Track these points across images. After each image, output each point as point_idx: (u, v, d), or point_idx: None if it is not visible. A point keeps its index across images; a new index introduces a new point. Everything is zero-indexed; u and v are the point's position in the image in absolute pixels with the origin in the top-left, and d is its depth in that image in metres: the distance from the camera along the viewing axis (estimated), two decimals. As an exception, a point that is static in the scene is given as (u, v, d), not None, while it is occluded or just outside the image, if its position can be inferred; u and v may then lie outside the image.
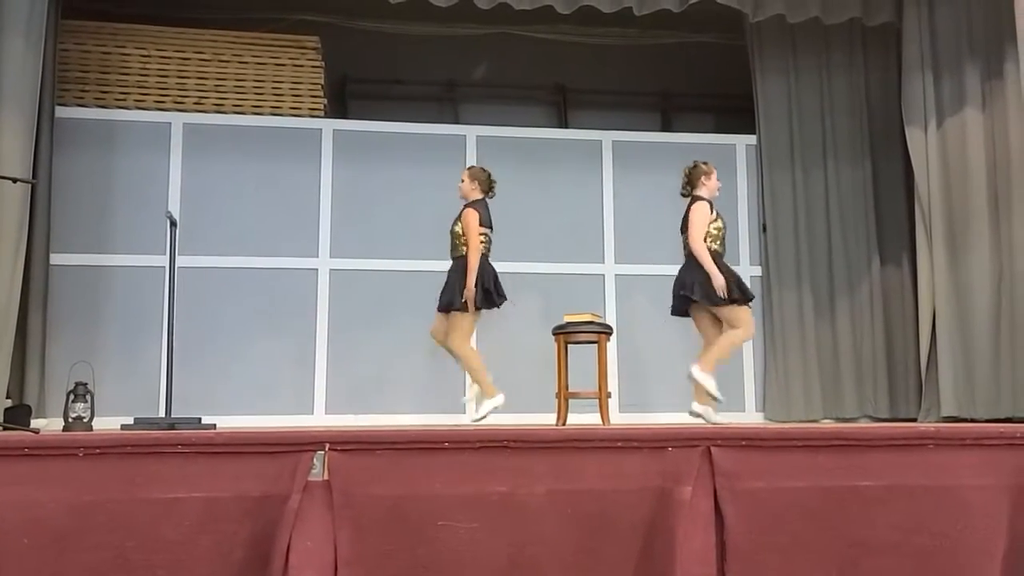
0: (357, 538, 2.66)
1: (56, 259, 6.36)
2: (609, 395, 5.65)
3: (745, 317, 5.41)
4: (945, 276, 6.50)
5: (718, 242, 5.44)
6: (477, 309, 5.62)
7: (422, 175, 6.99)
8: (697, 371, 5.31)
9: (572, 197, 7.20)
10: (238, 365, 6.52)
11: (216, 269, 6.63)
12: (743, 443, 2.88)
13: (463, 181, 5.85)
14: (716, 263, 5.37)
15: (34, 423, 5.55)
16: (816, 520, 2.82)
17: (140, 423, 4.85)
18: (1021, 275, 5.93)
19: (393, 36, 7.83)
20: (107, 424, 5.26)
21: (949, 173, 6.55)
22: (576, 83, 8.34)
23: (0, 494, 2.54)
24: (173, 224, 5.04)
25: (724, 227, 5.54)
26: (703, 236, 5.39)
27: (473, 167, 6.05)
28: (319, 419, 6.53)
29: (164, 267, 5.37)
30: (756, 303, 6.76)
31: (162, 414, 5.08)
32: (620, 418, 6.54)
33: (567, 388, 5.65)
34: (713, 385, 5.30)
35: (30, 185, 5.72)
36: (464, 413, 5.89)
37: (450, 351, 5.70)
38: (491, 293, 5.64)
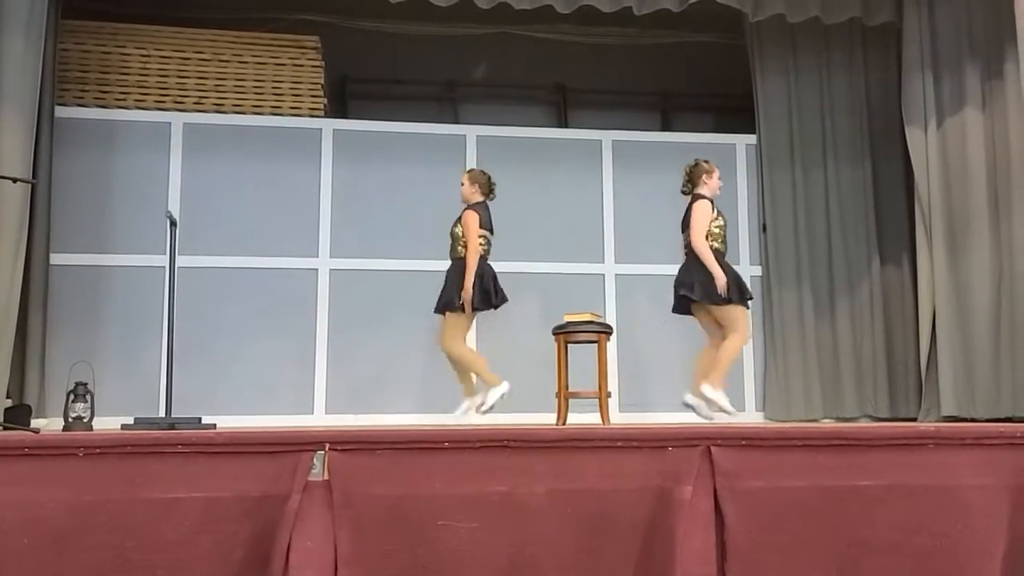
0: (357, 538, 2.66)
1: (56, 259, 6.36)
2: (609, 395, 5.65)
3: (742, 319, 5.40)
4: (945, 276, 6.50)
5: (719, 240, 5.45)
6: (474, 310, 5.64)
7: (422, 175, 6.99)
8: (710, 390, 5.31)
9: (572, 197, 7.20)
10: (238, 365, 6.52)
11: (216, 269, 6.63)
12: (743, 443, 2.88)
13: (463, 184, 5.87)
14: (718, 262, 5.37)
15: (34, 423, 5.55)
16: (816, 520, 2.82)
17: (140, 423, 4.85)
18: (1021, 275, 5.93)
19: (393, 36, 7.82)
20: (107, 424, 5.26)
21: (949, 173, 6.55)
22: (576, 83, 8.34)
23: (0, 494, 2.54)
24: (173, 224, 5.04)
25: (725, 225, 5.54)
26: (705, 234, 5.39)
27: (473, 170, 6.07)
28: (319, 419, 6.53)
29: (164, 267, 5.37)
30: (756, 303, 6.78)
31: (162, 414, 5.08)
32: (620, 418, 6.54)
33: (567, 388, 5.65)
34: (727, 401, 5.30)
35: (30, 185, 5.72)
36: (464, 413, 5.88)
37: (447, 353, 5.73)
38: (490, 294, 5.66)
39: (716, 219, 5.45)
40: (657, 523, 2.77)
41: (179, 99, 6.92)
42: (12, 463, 2.58)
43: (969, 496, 2.89)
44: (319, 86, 7.16)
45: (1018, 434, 2.98)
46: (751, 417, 6.95)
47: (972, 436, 2.98)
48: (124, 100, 6.82)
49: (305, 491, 2.66)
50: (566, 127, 8.06)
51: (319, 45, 7.25)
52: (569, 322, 5.66)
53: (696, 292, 5.39)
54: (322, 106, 7.16)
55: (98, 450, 2.62)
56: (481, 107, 8.05)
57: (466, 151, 7.14)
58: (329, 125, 7.03)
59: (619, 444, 2.84)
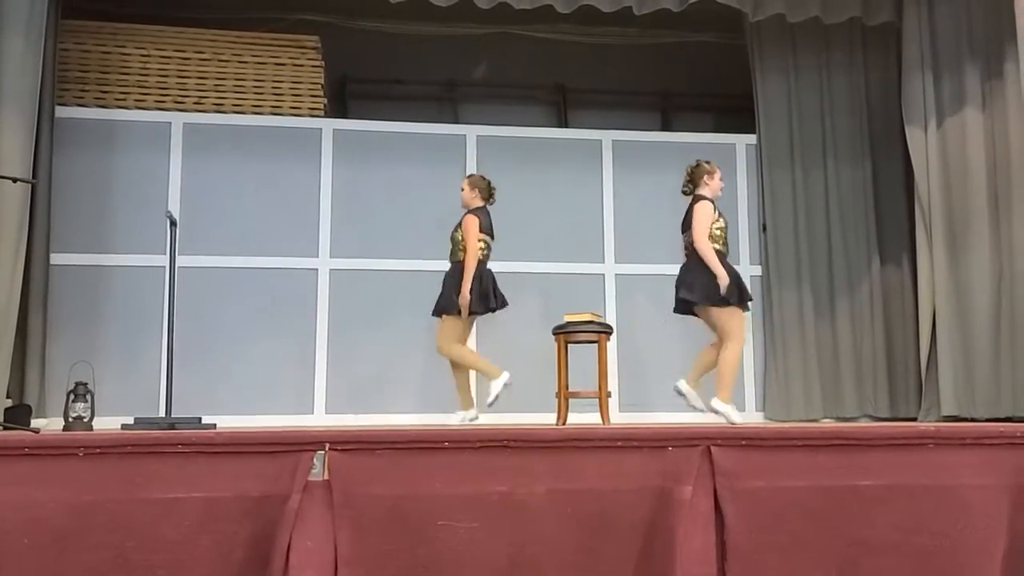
0: (357, 538, 2.66)
1: (56, 259, 6.36)
2: (609, 395, 5.65)
3: (737, 324, 5.38)
4: (945, 276, 6.50)
5: (720, 242, 5.43)
6: (472, 314, 5.66)
7: (422, 175, 6.99)
8: (719, 403, 5.30)
9: (572, 197, 7.20)
10: (238, 365, 6.52)
11: (216, 269, 6.63)
12: (743, 443, 2.88)
13: (463, 189, 5.90)
14: (721, 263, 5.37)
15: (34, 423, 5.55)
16: (816, 519, 2.83)
17: (140, 423, 4.85)
18: (1021, 275, 5.93)
19: (393, 36, 7.82)
20: (107, 424, 5.27)
21: (949, 173, 6.55)
22: (576, 83, 8.34)
23: (0, 494, 2.54)
24: (173, 224, 5.04)
25: (726, 227, 5.53)
26: (708, 235, 5.38)
27: (473, 175, 6.08)
28: (319, 419, 6.53)
29: (164, 267, 5.37)
30: (756, 303, 6.78)
31: (162, 414, 5.08)
32: (620, 418, 6.54)
33: (567, 388, 5.66)
34: (736, 415, 5.30)
35: (30, 185, 5.72)
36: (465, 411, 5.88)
37: (444, 355, 5.75)
38: (488, 297, 5.67)
39: (717, 221, 5.44)
40: (657, 523, 2.77)
41: (179, 99, 6.92)
42: (12, 463, 2.58)
43: (969, 496, 2.89)
44: (319, 86, 7.16)
45: (1018, 434, 2.98)
46: (751, 417, 6.94)
47: (972, 436, 2.98)
48: (124, 100, 6.82)
49: (305, 491, 2.67)
50: (566, 127, 8.06)
51: (319, 45, 7.25)
52: (569, 322, 5.66)
53: (696, 294, 5.39)
54: (322, 106, 7.16)
55: (98, 450, 2.62)
56: (481, 107, 8.05)
57: (466, 151, 7.14)
58: (329, 125, 7.03)
59: (619, 444, 2.84)
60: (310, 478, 2.69)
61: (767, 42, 7.41)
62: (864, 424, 6.32)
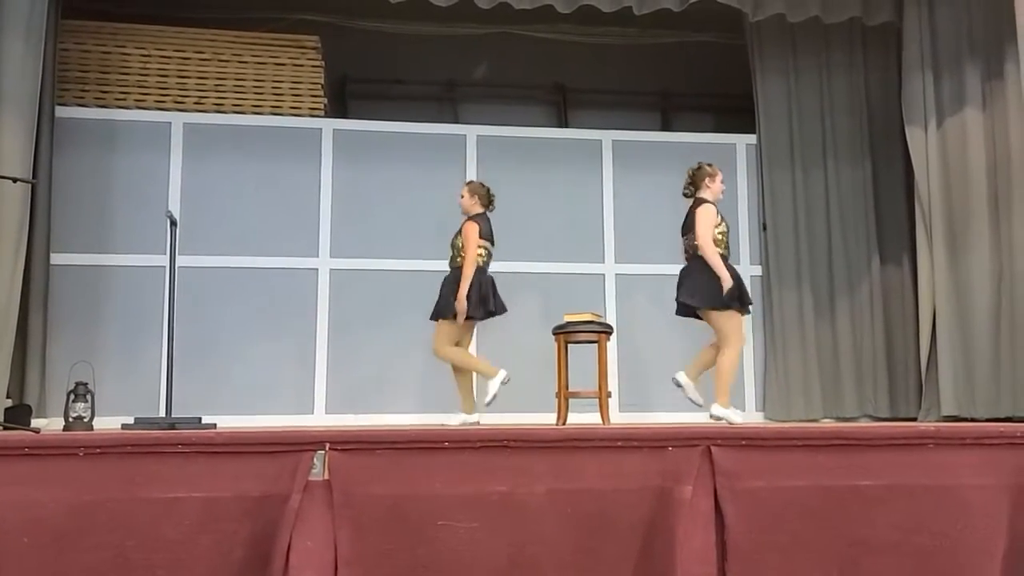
0: (357, 538, 2.66)
1: (56, 259, 6.36)
2: (609, 395, 5.65)
3: (736, 327, 5.37)
4: (945, 276, 6.50)
5: (722, 246, 5.42)
6: (471, 319, 5.66)
7: (422, 175, 6.99)
8: (719, 409, 5.29)
9: (572, 197, 7.20)
10: (238, 365, 6.52)
11: (216, 269, 6.63)
12: (743, 443, 2.88)
13: (463, 196, 5.91)
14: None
15: (35, 423, 5.55)
16: (816, 519, 2.83)
17: (140, 423, 4.85)
18: (1021, 275, 5.93)
19: (393, 36, 7.82)
20: (107, 424, 5.27)
21: (949, 173, 6.55)
22: (576, 83, 8.34)
23: (0, 494, 2.54)
24: (173, 224, 5.04)
25: (728, 231, 5.53)
26: (711, 239, 5.37)
27: (472, 182, 6.09)
28: (319, 419, 6.53)
29: (164, 267, 5.37)
30: (756, 303, 6.78)
31: (162, 414, 5.08)
32: (620, 418, 6.54)
33: (567, 388, 5.65)
34: (738, 416, 5.29)
35: (30, 185, 5.72)
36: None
37: (439, 358, 5.76)
38: (487, 301, 5.67)
39: (719, 225, 5.42)
40: (657, 523, 2.77)
41: (179, 99, 6.92)
42: (12, 463, 2.58)
43: (969, 496, 2.89)
44: (319, 86, 7.16)
45: (1018, 434, 2.99)
46: (751, 417, 6.94)
47: (972, 436, 2.98)
48: (124, 100, 6.82)
49: (305, 491, 2.67)
50: (566, 127, 8.06)
51: (319, 45, 7.25)
52: (569, 322, 5.66)
53: (696, 298, 5.38)
54: (322, 106, 7.16)
55: (98, 450, 2.62)
56: (481, 107, 8.05)
57: (466, 151, 7.14)
58: (329, 125, 7.03)
59: (619, 444, 2.84)
60: (310, 478, 2.69)
61: (767, 42, 7.41)
62: (864, 424, 6.32)
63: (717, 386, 5.33)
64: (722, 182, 5.62)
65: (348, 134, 7.02)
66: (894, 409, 7.06)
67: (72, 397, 5.23)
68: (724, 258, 5.40)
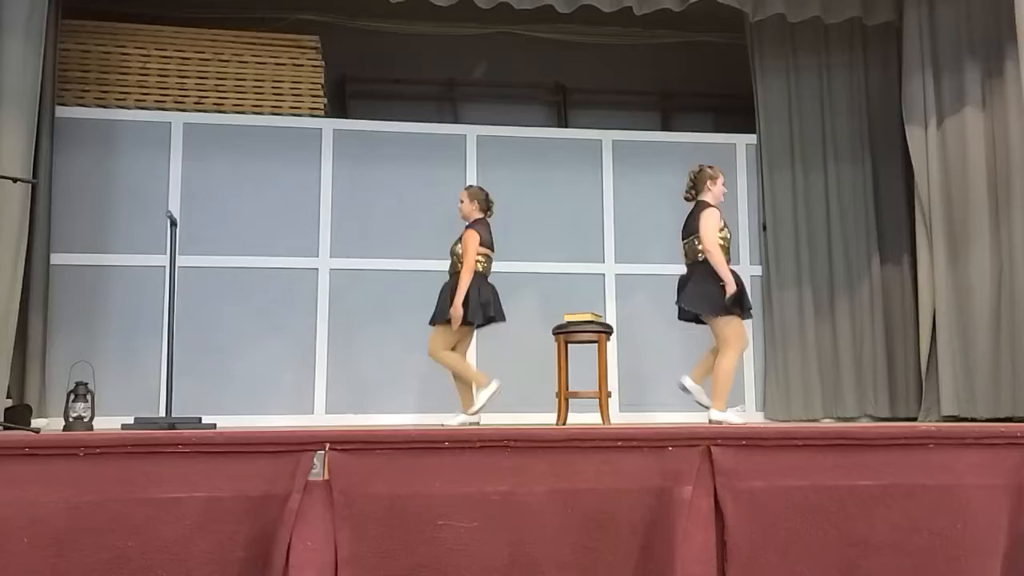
0: (357, 538, 2.66)
1: (56, 259, 6.36)
2: (609, 395, 5.65)
3: (735, 332, 5.36)
4: (945, 275, 6.50)
5: (724, 252, 5.41)
6: (468, 324, 5.65)
7: (422, 175, 6.99)
8: (716, 414, 5.29)
9: (572, 197, 7.20)
10: (238, 365, 6.53)
11: (216, 269, 6.63)
12: (743, 442, 2.88)
13: (463, 201, 5.91)
14: None
15: (35, 423, 5.55)
16: (816, 519, 2.83)
17: (140, 423, 4.85)
18: (1021, 275, 5.93)
19: (393, 36, 7.82)
20: (107, 424, 5.26)
21: (949, 173, 6.55)
22: (576, 83, 8.34)
23: (0, 494, 2.54)
24: (173, 224, 5.04)
25: (730, 237, 5.52)
26: (717, 243, 5.35)
27: (472, 187, 6.09)
28: (319, 419, 6.53)
29: (164, 267, 5.38)
30: (756, 303, 6.78)
31: (162, 414, 5.08)
32: (620, 418, 6.54)
33: (567, 388, 5.66)
34: (737, 417, 5.28)
35: (30, 185, 5.72)
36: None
37: (434, 360, 5.76)
38: (488, 306, 5.67)
39: (722, 229, 5.41)
40: (657, 523, 2.77)
41: (179, 99, 6.92)
42: (12, 463, 2.58)
43: (969, 496, 2.89)
44: (319, 86, 7.17)
45: (1018, 434, 2.98)
46: (751, 417, 6.94)
47: (972, 436, 2.98)
48: (124, 100, 6.82)
49: (305, 491, 2.67)
50: (566, 127, 8.06)
51: (319, 45, 7.25)
52: (569, 322, 5.66)
53: (697, 304, 5.37)
54: (322, 106, 7.16)
55: (98, 450, 2.62)
56: (481, 107, 8.04)
57: (466, 151, 7.14)
58: (329, 125, 7.03)
59: (619, 444, 2.84)
60: (310, 478, 2.69)
61: (767, 42, 7.41)
62: (864, 424, 6.32)
63: (714, 391, 5.33)
64: (723, 184, 5.61)
65: (348, 134, 7.02)
66: (894, 409, 7.06)
67: (72, 397, 5.22)
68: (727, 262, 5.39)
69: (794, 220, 7.26)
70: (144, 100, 6.86)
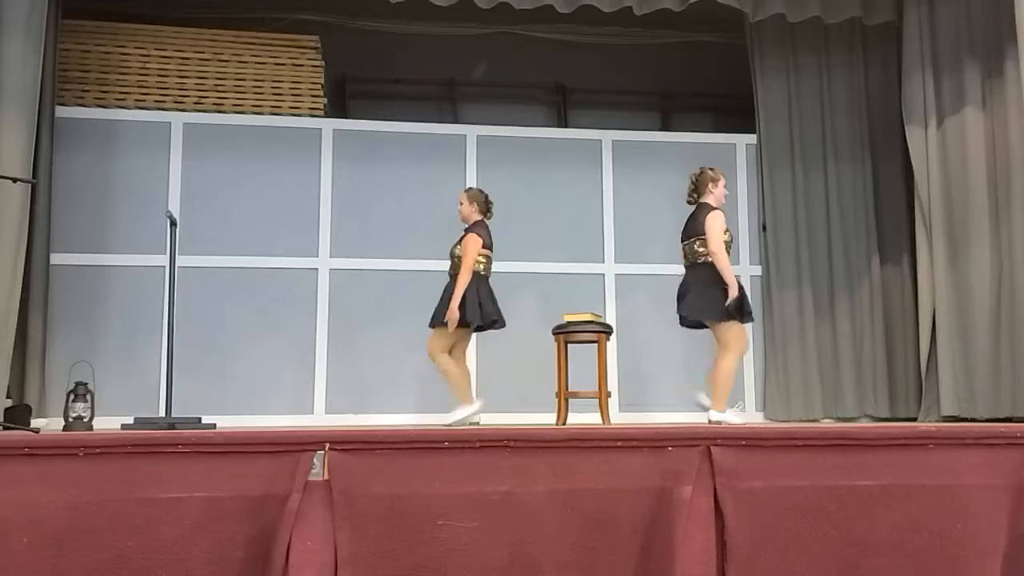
0: (357, 537, 2.66)
1: (56, 259, 6.36)
2: (609, 395, 5.65)
3: (735, 334, 5.36)
4: (945, 275, 6.50)
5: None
6: (465, 326, 5.65)
7: (422, 175, 6.99)
8: (715, 414, 5.29)
9: (572, 197, 7.20)
10: (238, 365, 6.53)
11: (216, 269, 6.63)
12: (743, 442, 2.88)
13: (462, 204, 5.91)
14: None
15: (34, 423, 5.55)
16: (816, 519, 2.83)
17: (140, 423, 4.85)
18: (1021, 274, 5.93)
19: (393, 36, 7.82)
20: (107, 424, 5.26)
21: (949, 172, 6.55)
22: (576, 83, 8.34)
23: (0, 494, 2.54)
24: (173, 224, 5.04)
25: (731, 241, 5.52)
26: (723, 246, 5.34)
27: (471, 189, 6.09)
28: (319, 419, 6.53)
29: (164, 267, 5.37)
30: (756, 303, 6.78)
31: (162, 414, 5.08)
32: (620, 418, 6.54)
33: (567, 388, 5.66)
34: (737, 418, 5.28)
35: (30, 185, 5.72)
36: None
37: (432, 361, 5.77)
38: (486, 307, 5.66)
39: (725, 232, 5.41)
40: (657, 523, 2.77)
41: (179, 99, 6.92)
42: (12, 463, 2.58)
43: (969, 496, 2.89)
44: (319, 86, 7.16)
45: (1018, 434, 2.99)
46: (751, 417, 6.94)
47: (972, 436, 2.98)
48: (124, 100, 6.82)
49: (305, 491, 2.67)
50: (566, 127, 8.06)
51: (319, 45, 7.25)
52: (569, 322, 5.67)
53: (698, 312, 5.37)
54: (322, 106, 7.16)
55: (98, 450, 2.62)
56: (481, 107, 8.04)
57: (466, 151, 7.14)
58: (329, 125, 7.03)
59: (619, 444, 2.84)
60: (310, 478, 2.69)
61: (767, 42, 7.41)
62: (864, 424, 6.32)
63: (714, 392, 5.34)
64: (725, 186, 5.60)
65: (348, 134, 7.02)
66: (894, 409, 7.06)
67: (72, 397, 5.23)
68: None
69: (794, 220, 7.26)
70: (144, 100, 6.86)
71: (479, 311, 5.64)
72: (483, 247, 5.74)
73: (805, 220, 7.27)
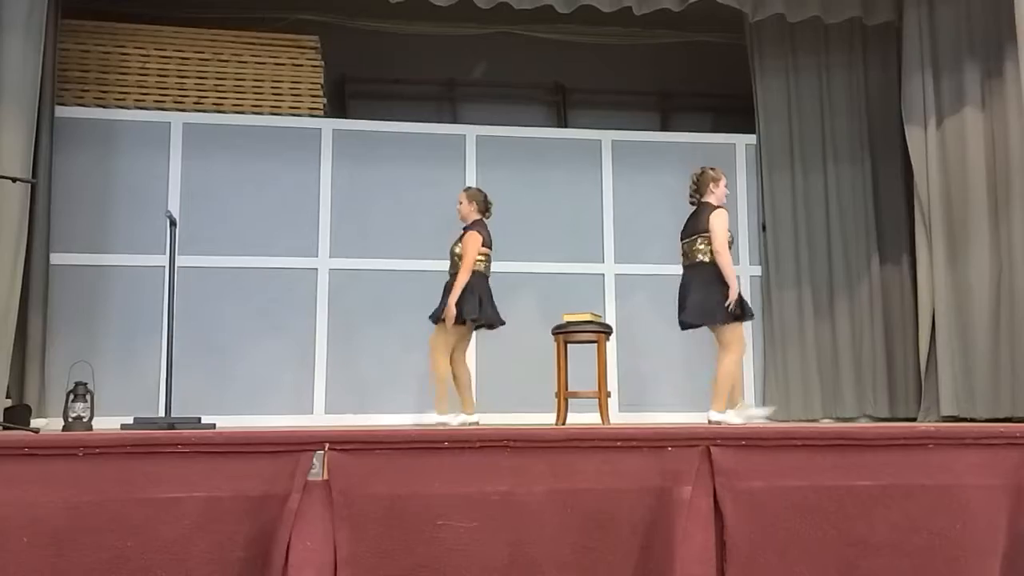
0: (357, 538, 2.66)
1: (56, 259, 6.36)
2: (609, 395, 5.65)
3: (736, 335, 5.36)
4: (945, 275, 6.50)
5: None
6: (465, 323, 5.64)
7: (422, 175, 7.00)
8: (715, 414, 5.28)
9: (572, 197, 7.20)
10: (238, 365, 6.53)
11: (216, 269, 6.63)
12: (743, 443, 2.88)
13: (462, 203, 5.91)
14: None
15: (34, 423, 5.55)
16: (815, 519, 2.83)
17: (140, 423, 4.85)
18: (1021, 275, 5.93)
19: (393, 36, 7.82)
20: (107, 424, 5.26)
21: (949, 173, 6.55)
22: (576, 83, 8.34)
23: (0, 494, 2.54)
24: (173, 224, 5.04)
25: (732, 241, 5.52)
26: (727, 246, 5.34)
27: (470, 188, 6.09)
28: (319, 419, 6.53)
29: (164, 267, 5.37)
30: (756, 303, 6.79)
31: (162, 414, 5.07)
32: (620, 418, 6.54)
33: (567, 388, 5.66)
34: (737, 418, 5.28)
35: (30, 185, 5.72)
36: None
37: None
38: (483, 305, 5.66)
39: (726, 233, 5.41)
40: (657, 523, 2.77)
41: (179, 99, 6.92)
42: (12, 463, 2.58)
43: (969, 496, 2.89)
44: (319, 86, 7.17)
45: (1018, 434, 2.99)
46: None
47: (972, 436, 2.98)
48: (124, 100, 6.82)
49: (305, 491, 2.67)
50: (566, 127, 8.06)
51: (319, 45, 7.25)
52: (569, 322, 5.67)
53: (699, 317, 5.37)
54: (322, 106, 7.16)
55: (98, 450, 2.62)
56: (481, 107, 8.04)
57: (466, 151, 7.14)
58: (329, 125, 7.03)
59: (619, 444, 2.84)
60: (310, 478, 2.69)
61: (767, 42, 7.42)
62: (863, 424, 6.32)
63: (714, 391, 5.33)
64: (725, 186, 5.60)
65: (347, 134, 7.02)
66: (893, 409, 7.06)
67: (72, 397, 5.22)
68: None
69: (794, 220, 7.27)
70: (144, 100, 6.86)
71: (478, 306, 5.64)
72: (483, 245, 5.75)
73: (805, 220, 7.28)
